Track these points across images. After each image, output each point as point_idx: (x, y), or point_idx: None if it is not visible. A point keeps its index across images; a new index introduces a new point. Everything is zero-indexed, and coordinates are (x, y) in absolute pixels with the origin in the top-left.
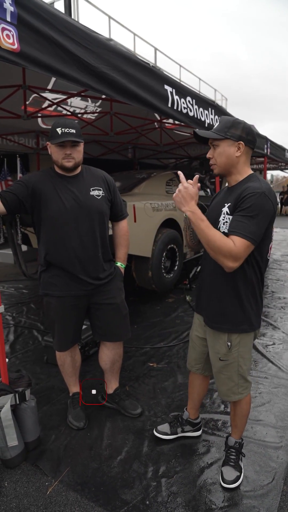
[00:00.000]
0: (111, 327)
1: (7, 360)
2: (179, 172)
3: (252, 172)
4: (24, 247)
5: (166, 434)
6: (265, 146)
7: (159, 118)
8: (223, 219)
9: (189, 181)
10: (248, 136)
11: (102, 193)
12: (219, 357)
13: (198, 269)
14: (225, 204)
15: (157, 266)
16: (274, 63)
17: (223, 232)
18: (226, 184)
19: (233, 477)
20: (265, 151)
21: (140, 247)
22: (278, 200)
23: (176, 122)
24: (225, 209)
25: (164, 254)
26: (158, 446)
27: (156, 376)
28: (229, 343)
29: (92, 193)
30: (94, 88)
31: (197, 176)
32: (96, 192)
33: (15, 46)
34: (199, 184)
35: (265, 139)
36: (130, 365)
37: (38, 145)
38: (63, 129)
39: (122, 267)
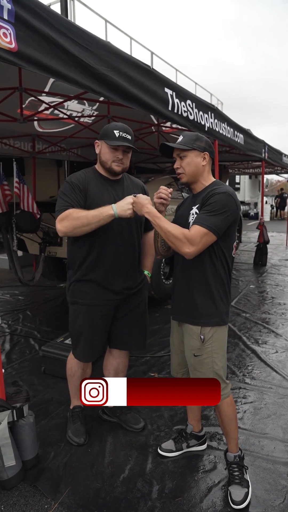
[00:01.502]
0: (132, 335)
1: (3, 370)
2: (134, 194)
3: (214, 179)
4: (19, 253)
5: (171, 451)
6: (263, 150)
7: (156, 122)
8: (192, 219)
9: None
10: (210, 148)
11: None
12: (194, 353)
13: None
14: (193, 207)
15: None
16: (269, 69)
17: None
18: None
19: (242, 495)
20: (263, 155)
21: None
22: (273, 203)
23: (174, 126)
24: (194, 211)
25: (163, 260)
26: (162, 462)
27: None
28: (202, 337)
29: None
30: (94, 90)
31: (167, 189)
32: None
33: (13, 45)
34: (171, 189)
35: (263, 143)
36: (130, 375)
37: (34, 149)
38: (121, 133)
39: (149, 276)
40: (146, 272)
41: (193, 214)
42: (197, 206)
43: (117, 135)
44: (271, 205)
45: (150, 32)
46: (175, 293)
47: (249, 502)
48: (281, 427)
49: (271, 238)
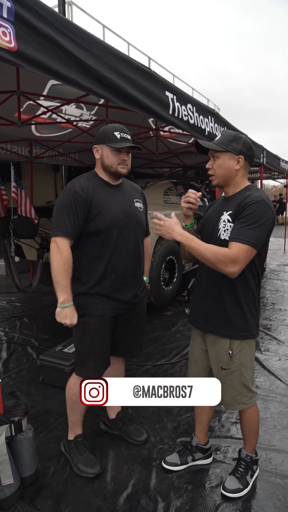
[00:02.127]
0: (132, 342)
1: (0, 380)
2: (156, 214)
3: (249, 183)
4: (16, 259)
5: (176, 465)
6: (261, 155)
7: (154, 127)
8: (223, 227)
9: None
10: (248, 151)
11: (142, 206)
12: (221, 366)
13: None
14: (224, 212)
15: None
16: (265, 76)
17: (224, 239)
18: (223, 194)
19: (234, 487)
20: (261, 160)
21: None
22: None
23: (172, 130)
24: (225, 217)
25: (163, 266)
26: (167, 478)
27: None
28: (230, 352)
29: (136, 204)
30: (95, 92)
31: (173, 213)
32: (139, 205)
33: (12, 45)
34: (199, 193)
35: (261, 148)
36: None
37: (31, 154)
38: (121, 134)
39: (147, 281)
40: (145, 278)
41: (224, 221)
42: (229, 212)
43: (118, 137)
44: None
45: (147, 39)
46: (200, 302)
47: (237, 499)
48: None
49: (269, 243)
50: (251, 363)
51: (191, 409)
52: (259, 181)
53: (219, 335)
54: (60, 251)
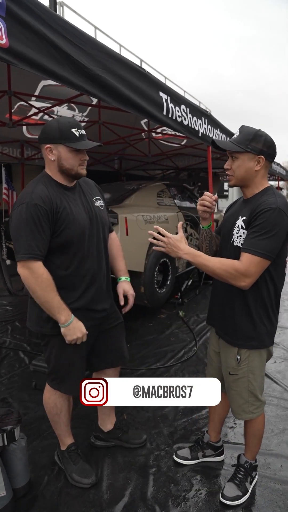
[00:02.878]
0: (120, 350)
1: None
2: (157, 227)
3: (268, 185)
4: (8, 262)
5: (187, 459)
6: None
7: (146, 128)
8: (237, 233)
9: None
10: (269, 150)
11: (103, 202)
12: (229, 371)
13: (190, 283)
14: (239, 217)
15: (149, 281)
16: (256, 79)
17: (236, 246)
18: (242, 197)
19: (233, 494)
20: None
21: (132, 261)
22: None
23: (164, 132)
24: (240, 222)
25: (157, 268)
26: (164, 485)
27: None
28: (238, 357)
29: (96, 203)
30: (88, 91)
31: (181, 223)
32: (99, 203)
33: (3, 41)
34: (215, 196)
35: None
36: None
37: (22, 155)
38: (79, 130)
39: (128, 280)
40: (124, 278)
41: (238, 226)
42: (243, 218)
43: (77, 135)
44: None
45: (140, 42)
46: (215, 306)
47: (236, 506)
48: (286, 443)
49: None
50: (260, 370)
51: (187, 413)
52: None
53: (228, 342)
54: (37, 275)
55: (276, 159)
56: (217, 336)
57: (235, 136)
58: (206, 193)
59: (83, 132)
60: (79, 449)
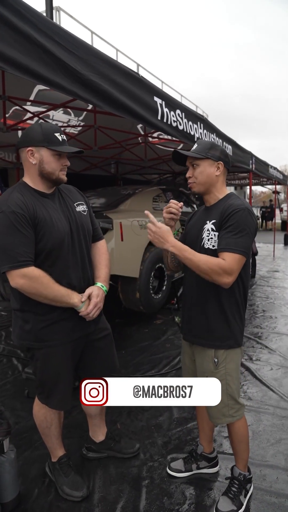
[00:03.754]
0: (109, 360)
1: None
2: (147, 212)
3: (229, 191)
4: None
5: (180, 471)
6: (250, 161)
7: (142, 133)
8: (207, 236)
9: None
10: (225, 158)
11: (86, 208)
12: (206, 375)
13: None
14: (207, 221)
15: (145, 286)
16: (253, 84)
17: (208, 248)
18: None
19: (228, 509)
20: (250, 166)
21: (127, 267)
22: (259, 215)
23: (161, 136)
24: (209, 226)
25: (152, 274)
26: (157, 498)
27: (149, 411)
28: (216, 359)
29: (78, 209)
30: (81, 97)
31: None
32: (82, 208)
33: None
34: (181, 204)
35: (250, 154)
36: None
37: (18, 160)
38: (61, 135)
39: (104, 289)
40: (99, 284)
41: (207, 230)
42: (212, 221)
43: (60, 139)
44: (257, 216)
45: (137, 47)
46: (185, 313)
47: None
48: (282, 454)
49: (258, 249)
50: (237, 372)
51: (182, 423)
52: (248, 187)
53: (203, 346)
54: (35, 279)
55: (273, 163)
56: (189, 344)
57: (193, 148)
58: (172, 200)
59: (65, 137)
60: (71, 461)
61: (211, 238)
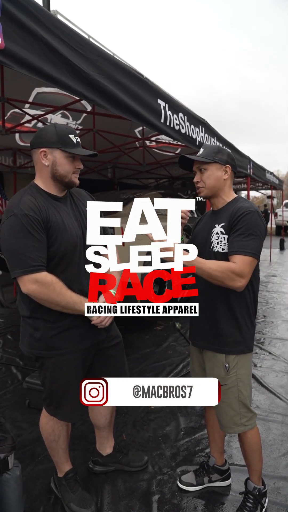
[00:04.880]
0: (120, 369)
1: None
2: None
3: (236, 195)
4: None
5: (191, 485)
6: (248, 166)
7: (140, 137)
8: (216, 239)
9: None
10: (232, 162)
11: None
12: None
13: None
14: (216, 225)
15: None
16: (248, 90)
17: (217, 251)
18: (211, 208)
19: None
20: (248, 171)
21: None
22: None
23: (159, 140)
24: (218, 229)
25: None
26: None
27: (155, 420)
28: (227, 365)
29: None
30: (87, 97)
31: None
32: None
33: None
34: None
35: (248, 159)
36: (124, 407)
37: (15, 164)
38: (76, 137)
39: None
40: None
41: (217, 233)
42: (221, 225)
43: (74, 141)
44: None
45: (134, 52)
46: (194, 318)
47: None
48: None
49: None
50: (249, 378)
51: (189, 433)
52: (245, 192)
53: (214, 351)
54: (48, 285)
55: (268, 168)
56: (199, 350)
57: (200, 152)
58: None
59: (79, 140)
60: (78, 476)
61: (221, 241)
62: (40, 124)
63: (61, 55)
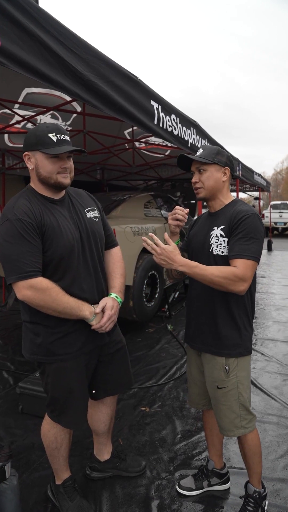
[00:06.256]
0: (122, 376)
1: None
2: (152, 235)
3: (234, 198)
4: None
5: (191, 489)
6: (237, 168)
7: (129, 138)
8: (216, 241)
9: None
10: (231, 164)
11: (98, 213)
12: (217, 385)
13: (176, 295)
14: (215, 228)
15: (138, 294)
16: (234, 93)
17: (217, 255)
18: (207, 210)
19: None
20: (238, 173)
21: None
22: None
23: (148, 142)
24: (217, 232)
25: (145, 281)
26: None
27: (151, 424)
28: (227, 367)
29: (89, 215)
30: (82, 98)
31: (166, 234)
32: (93, 214)
33: None
34: (187, 210)
35: (237, 161)
36: (119, 411)
37: (3, 165)
38: (58, 135)
39: (119, 300)
40: (113, 295)
41: (216, 236)
42: (221, 227)
43: (55, 140)
44: None
45: (123, 55)
46: (192, 320)
47: None
48: None
49: None
50: (248, 380)
51: (186, 436)
52: (234, 193)
53: (214, 354)
54: (43, 290)
55: (254, 169)
56: (196, 353)
57: (199, 153)
58: (178, 207)
59: (64, 137)
60: (76, 483)
61: (221, 244)
62: (29, 125)
63: (57, 55)
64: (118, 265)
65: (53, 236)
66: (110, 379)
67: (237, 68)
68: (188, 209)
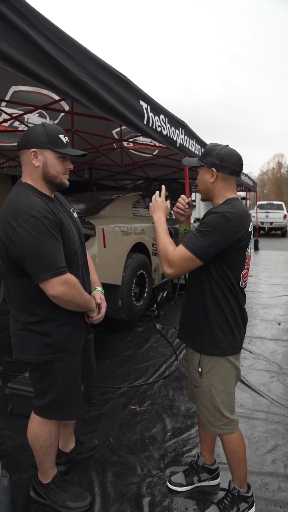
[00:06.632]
0: (92, 363)
1: None
2: (163, 187)
3: (233, 196)
4: None
5: (181, 485)
6: None
7: (117, 137)
8: None
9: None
10: (222, 162)
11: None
12: (194, 383)
13: (165, 294)
14: None
15: (127, 294)
16: (229, 92)
17: None
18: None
19: None
20: None
21: (109, 274)
22: None
23: (136, 142)
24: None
25: (134, 280)
26: None
27: (141, 422)
28: (200, 369)
29: (75, 215)
30: (72, 97)
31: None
32: (75, 213)
33: None
34: (189, 199)
35: None
36: (109, 410)
37: None
38: (66, 138)
39: (103, 292)
40: (99, 289)
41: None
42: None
43: (64, 142)
44: None
45: (123, 55)
46: (181, 315)
47: None
48: (280, 460)
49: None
50: (224, 386)
51: (176, 434)
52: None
53: (191, 348)
54: (73, 285)
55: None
56: (191, 350)
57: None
58: (182, 196)
59: (68, 140)
60: (64, 476)
61: None
62: (16, 123)
63: (48, 54)
64: (91, 262)
65: (66, 236)
66: (83, 367)
67: (237, 68)
68: (190, 199)
